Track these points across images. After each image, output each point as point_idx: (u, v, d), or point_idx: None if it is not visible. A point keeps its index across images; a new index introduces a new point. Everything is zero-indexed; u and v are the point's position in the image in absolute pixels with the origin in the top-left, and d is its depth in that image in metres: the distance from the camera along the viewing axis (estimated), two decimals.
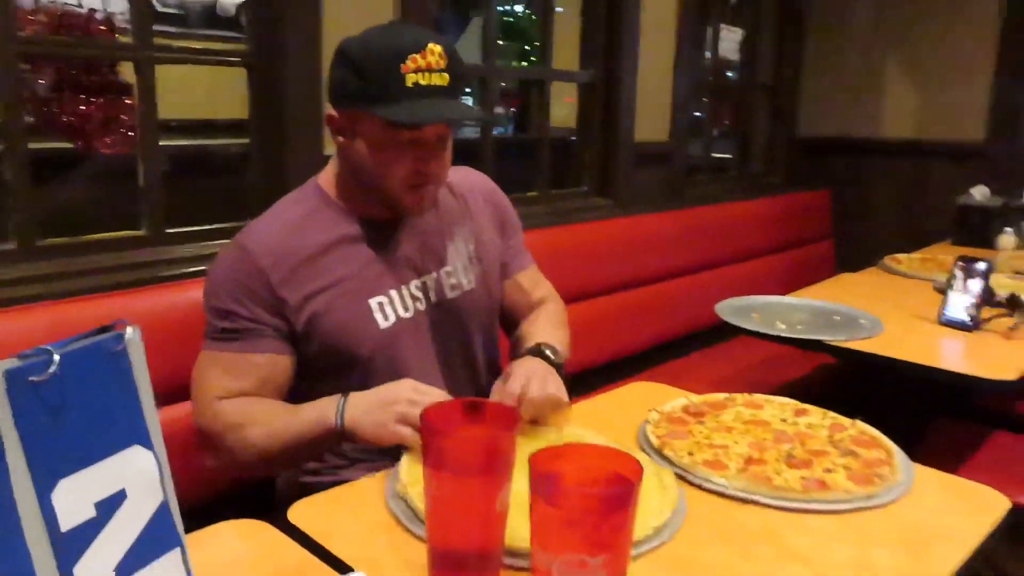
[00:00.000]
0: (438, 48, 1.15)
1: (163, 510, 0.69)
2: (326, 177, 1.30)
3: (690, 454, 1.11)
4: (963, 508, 1.02)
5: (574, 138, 2.91)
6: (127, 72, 1.99)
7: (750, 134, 3.74)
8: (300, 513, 0.96)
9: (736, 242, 3.06)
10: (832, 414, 1.27)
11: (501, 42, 5.68)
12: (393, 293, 1.27)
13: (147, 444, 0.68)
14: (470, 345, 1.37)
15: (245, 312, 1.18)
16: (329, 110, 1.22)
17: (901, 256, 2.73)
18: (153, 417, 0.69)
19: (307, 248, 1.22)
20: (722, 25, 3.42)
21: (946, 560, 0.90)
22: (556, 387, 1.19)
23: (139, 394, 0.68)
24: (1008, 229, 2.90)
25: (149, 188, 1.68)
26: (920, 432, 2.00)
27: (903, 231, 3.54)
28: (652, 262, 2.63)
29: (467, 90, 1.35)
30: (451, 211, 1.38)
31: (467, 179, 1.44)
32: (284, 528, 0.93)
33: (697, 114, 3.50)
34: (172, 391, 1.25)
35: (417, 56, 1.13)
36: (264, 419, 1.16)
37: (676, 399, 1.32)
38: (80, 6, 2.45)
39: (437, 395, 1.09)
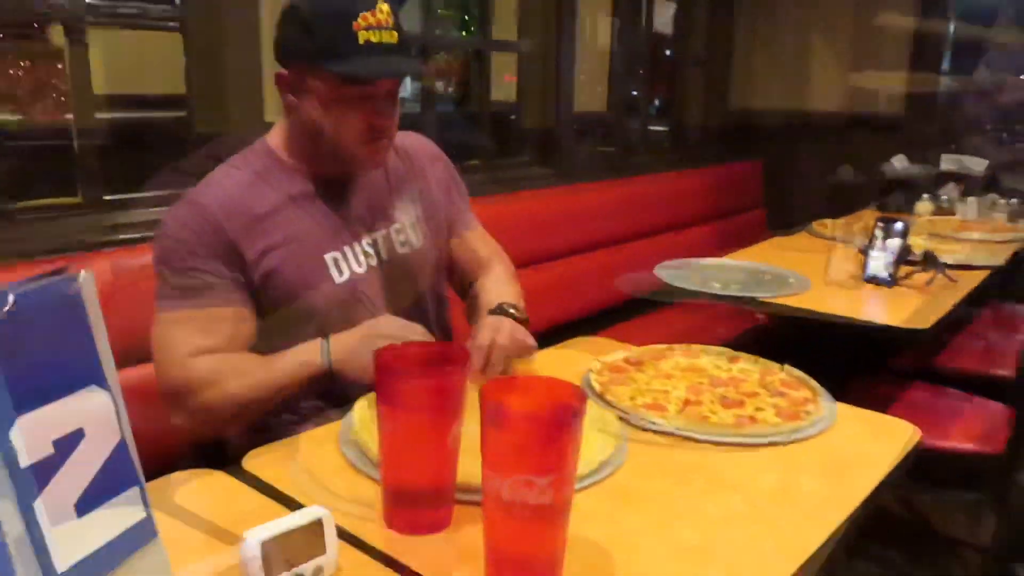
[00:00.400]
0: (386, 7, 1.19)
1: (120, 449, 0.70)
2: (274, 138, 1.31)
3: (631, 398, 1.17)
4: (878, 438, 1.11)
5: (514, 117, 2.94)
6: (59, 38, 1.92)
7: (685, 108, 3.83)
8: (255, 461, 0.98)
9: (673, 211, 3.15)
10: (763, 360, 1.35)
11: (441, 12, 5.63)
12: (347, 249, 1.30)
13: (103, 385, 0.70)
14: (421, 302, 1.41)
15: (206, 267, 1.18)
16: (278, 69, 1.23)
17: (827, 221, 2.84)
18: (108, 359, 0.70)
19: (261, 205, 1.24)
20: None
21: (862, 483, 0.97)
22: (522, 334, 1.25)
23: (94, 336, 0.69)
24: (926, 196, 3.05)
25: (85, 154, 1.65)
26: (844, 386, 2.11)
27: (830, 199, 3.68)
28: (593, 230, 2.69)
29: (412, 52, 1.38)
30: (398, 171, 1.41)
31: (413, 142, 1.47)
32: (239, 479, 0.95)
33: (634, 93, 3.57)
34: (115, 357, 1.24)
35: (368, 14, 1.16)
36: (243, 371, 1.16)
37: (618, 351, 1.38)
38: None
39: (419, 330, 1.16)
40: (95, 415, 0.68)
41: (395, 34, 1.19)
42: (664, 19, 3.55)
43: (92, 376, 0.69)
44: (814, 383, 1.26)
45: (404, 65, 1.25)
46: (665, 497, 0.93)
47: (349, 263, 1.29)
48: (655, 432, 1.09)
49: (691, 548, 0.83)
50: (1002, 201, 2.94)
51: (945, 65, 3.50)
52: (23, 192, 1.61)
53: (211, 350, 1.17)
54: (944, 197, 3.01)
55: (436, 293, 1.45)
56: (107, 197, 1.69)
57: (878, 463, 1.02)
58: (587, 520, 0.85)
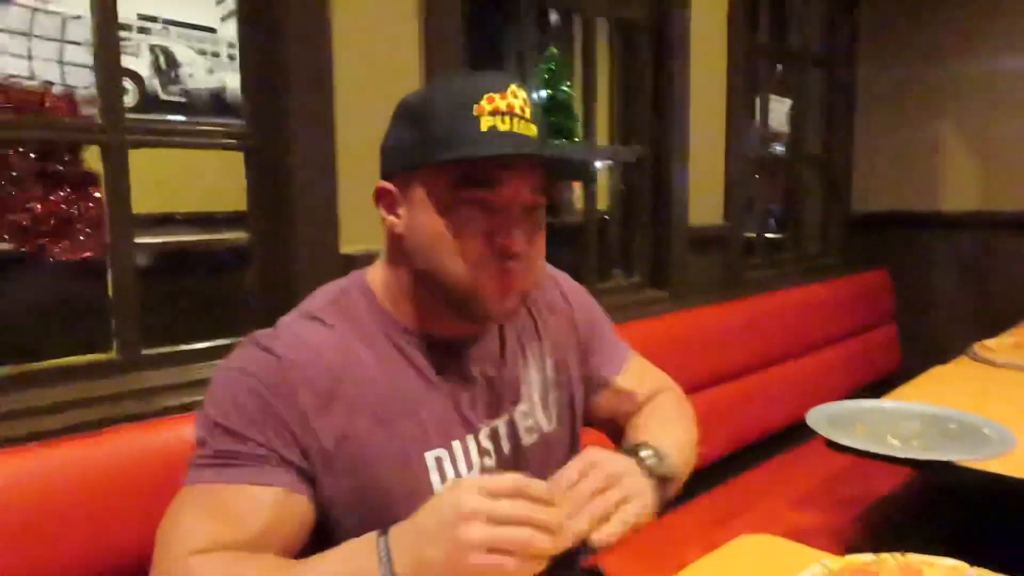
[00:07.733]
0: (523, 93, 0.91)
1: None
2: (375, 276, 1.01)
3: None
4: None
5: (607, 217, 2.66)
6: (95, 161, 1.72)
7: (802, 211, 3.46)
8: None
9: (797, 332, 2.75)
10: None
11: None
12: (456, 445, 0.97)
13: None
14: None
15: (260, 438, 0.86)
16: (380, 183, 0.96)
17: (990, 342, 2.39)
18: None
19: (350, 369, 0.92)
20: (771, 96, 3.19)
21: None
22: (629, 489, 0.86)
23: None
24: None
25: (122, 299, 1.37)
26: None
27: (972, 311, 3.24)
28: (712, 362, 2.31)
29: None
30: (523, 327, 1.10)
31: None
32: None
33: (751, 200, 3.25)
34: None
35: (495, 96, 0.89)
36: None
37: (808, 565, 0.99)
38: (32, 77, 2.09)
39: (508, 486, 0.75)
40: None
41: (533, 128, 0.91)
42: (778, 116, 3.24)
43: None
44: None
45: (543, 151, 0.93)
46: None
47: (457, 465, 0.96)
48: None
49: None
50: None
51: None
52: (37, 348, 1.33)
53: (229, 546, 0.82)
54: None
55: None
56: (147, 351, 1.38)
57: None
58: None
